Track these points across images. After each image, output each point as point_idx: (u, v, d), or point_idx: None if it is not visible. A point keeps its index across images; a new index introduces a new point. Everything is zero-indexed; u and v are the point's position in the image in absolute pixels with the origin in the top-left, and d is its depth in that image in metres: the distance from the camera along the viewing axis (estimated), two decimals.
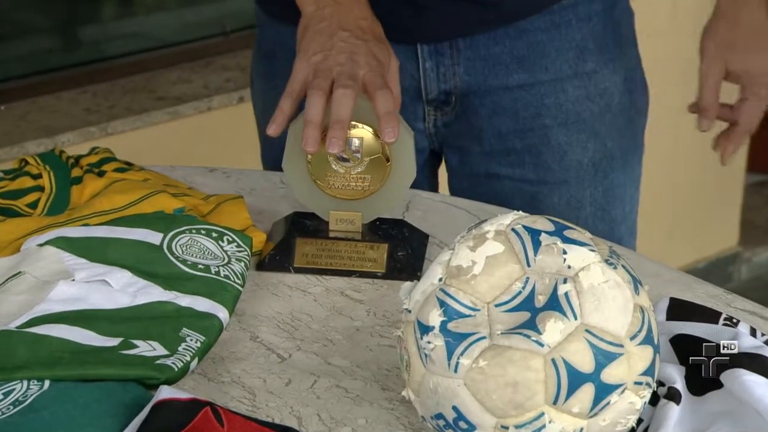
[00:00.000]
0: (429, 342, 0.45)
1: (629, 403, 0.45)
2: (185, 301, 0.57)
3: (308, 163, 0.64)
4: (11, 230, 0.64)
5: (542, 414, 0.44)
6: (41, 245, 0.61)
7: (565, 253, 0.46)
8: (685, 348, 0.51)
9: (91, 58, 1.36)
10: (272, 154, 0.82)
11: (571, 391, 0.44)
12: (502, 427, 0.44)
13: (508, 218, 0.48)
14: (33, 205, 0.67)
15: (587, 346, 0.44)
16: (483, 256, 0.46)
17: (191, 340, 0.55)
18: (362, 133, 0.63)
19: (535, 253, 0.46)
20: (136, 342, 0.54)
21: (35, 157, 0.70)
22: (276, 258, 0.64)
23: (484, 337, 0.45)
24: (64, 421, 0.49)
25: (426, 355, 0.46)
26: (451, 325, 0.45)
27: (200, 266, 0.60)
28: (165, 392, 0.49)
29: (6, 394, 0.50)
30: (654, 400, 0.49)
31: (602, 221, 0.78)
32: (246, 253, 0.62)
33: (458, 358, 0.44)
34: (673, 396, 0.48)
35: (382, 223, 0.65)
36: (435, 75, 0.74)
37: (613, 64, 0.76)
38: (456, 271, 0.46)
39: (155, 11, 1.46)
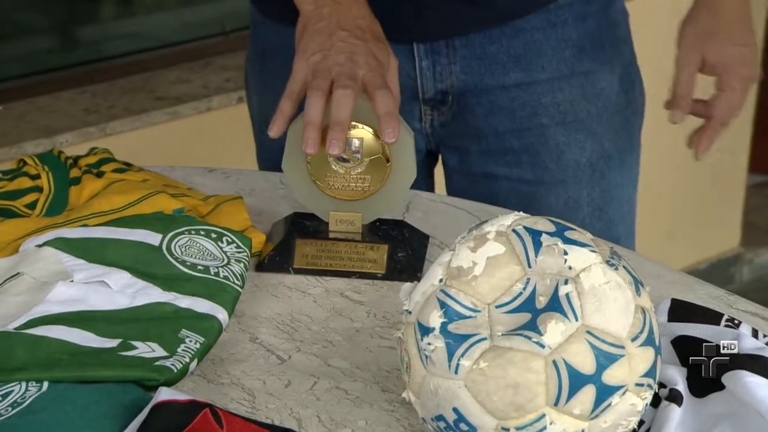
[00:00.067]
0: (429, 343, 0.45)
1: (630, 404, 0.45)
2: (184, 302, 0.57)
3: (308, 164, 0.64)
4: (9, 231, 0.63)
5: (543, 416, 0.44)
6: (40, 246, 0.60)
7: (566, 254, 0.45)
8: (686, 349, 0.51)
9: (90, 58, 1.35)
10: (267, 154, 0.82)
11: (572, 393, 0.44)
12: (503, 428, 0.44)
13: (509, 219, 0.48)
14: (31, 206, 0.67)
15: (588, 347, 0.44)
16: (484, 257, 0.46)
17: (190, 341, 0.54)
18: (362, 133, 0.63)
19: (536, 254, 0.46)
20: (135, 343, 0.54)
21: (34, 158, 0.70)
22: (275, 259, 0.64)
23: (484, 339, 0.44)
24: (62, 423, 0.48)
25: (426, 357, 0.45)
26: (451, 327, 0.45)
27: (199, 267, 0.60)
28: (164, 394, 0.48)
29: (4, 396, 0.50)
30: (655, 401, 0.48)
31: (600, 221, 0.78)
32: (245, 253, 0.62)
33: (459, 360, 0.44)
34: (675, 398, 0.48)
35: (382, 223, 0.65)
36: (431, 74, 0.74)
37: (609, 64, 0.76)
38: (456, 272, 0.46)
39: (154, 11, 1.46)
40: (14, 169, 0.70)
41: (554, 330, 0.44)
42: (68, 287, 0.57)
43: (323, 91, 0.60)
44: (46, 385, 0.51)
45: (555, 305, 0.44)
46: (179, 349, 0.54)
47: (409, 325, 0.47)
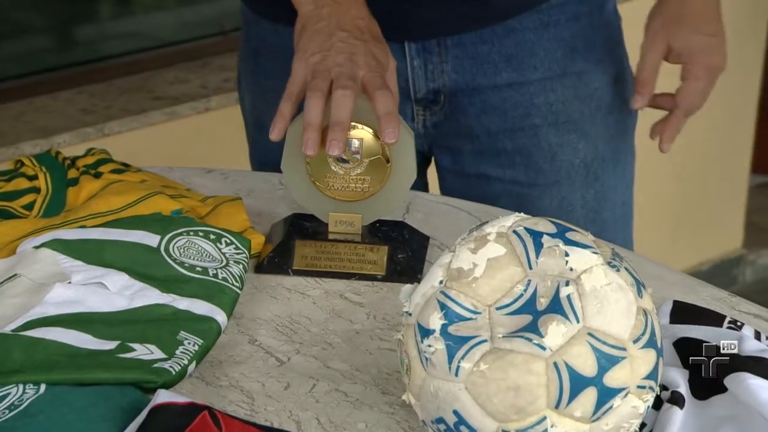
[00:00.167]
0: (429, 345, 0.45)
1: (632, 407, 0.45)
2: (183, 303, 0.57)
3: (307, 165, 0.63)
4: (7, 232, 0.63)
5: (544, 418, 0.44)
6: (37, 247, 0.60)
7: (567, 255, 0.45)
8: (688, 352, 0.50)
9: (87, 58, 1.35)
10: (261, 154, 0.82)
11: (573, 395, 0.43)
12: (504, 431, 0.44)
13: (510, 220, 0.47)
14: (29, 207, 0.66)
15: (590, 349, 0.44)
16: (484, 258, 0.46)
17: (189, 343, 0.54)
18: (362, 134, 0.62)
19: (537, 255, 0.45)
20: (133, 345, 0.54)
21: (31, 158, 0.70)
22: (275, 260, 0.63)
23: (485, 341, 0.44)
24: (60, 426, 0.48)
25: (426, 359, 0.45)
26: (451, 329, 0.45)
27: (198, 269, 0.59)
28: (162, 396, 0.48)
29: (1, 399, 0.50)
30: (657, 404, 0.48)
31: (594, 224, 0.78)
32: (244, 255, 0.62)
33: (459, 362, 0.44)
34: (677, 400, 0.48)
35: (382, 224, 0.65)
36: (423, 73, 0.74)
37: (602, 64, 0.76)
38: (457, 274, 0.46)
39: (152, 10, 1.46)
40: (11, 169, 0.70)
41: (555, 332, 0.44)
42: (66, 289, 0.57)
43: (323, 91, 0.60)
44: (43, 387, 0.51)
45: (556, 307, 0.44)
46: (178, 351, 0.54)
47: (409, 327, 0.47)
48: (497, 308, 0.45)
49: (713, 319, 0.53)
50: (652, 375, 0.45)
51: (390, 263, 0.62)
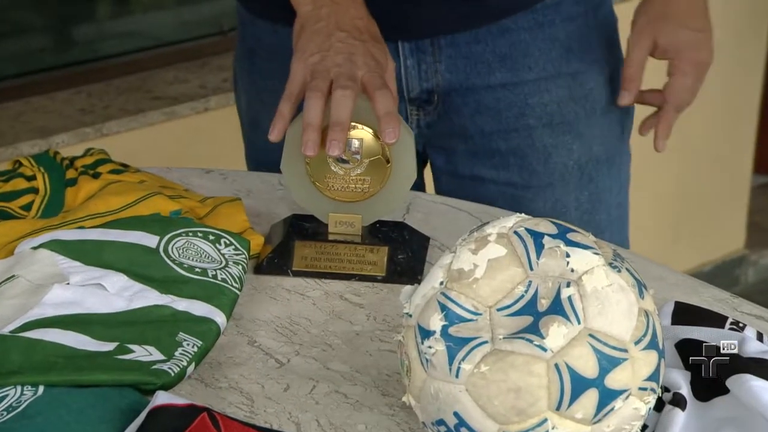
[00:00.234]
0: (430, 347, 0.45)
1: (634, 408, 0.45)
2: (182, 305, 0.57)
3: (307, 165, 0.63)
4: (5, 233, 0.63)
5: (545, 420, 0.44)
6: (35, 248, 0.60)
7: (568, 256, 0.45)
8: (690, 353, 0.50)
9: (85, 58, 1.35)
10: (257, 155, 0.82)
11: (574, 397, 0.43)
12: None
13: (511, 221, 0.47)
14: (27, 208, 0.66)
15: (591, 350, 0.43)
16: (485, 259, 0.46)
17: (188, 344, 0.54)
18: (362, 134, 0.62)
19: (538, 256, 0.45)
20: (131, 347, 0.54)
21: (29, 159, 0.69)
22: (274, 261, 0.63)
23: (485, 342, 0.44)
24: (58, 428, 0.48)
25: (427, 360, 0.45)
26: (452, 330, 0.45)
27: (197, 270, 0.59)
28: (161, 398, 0.48)
29: None
30: (659, 406, 0.48)
31: (588, 226, 0.77)
32: (244, 256, 0.62)
33: (460, 363, 0.44)
34: (679, 402, 0.48)
35: (382, 225, 0.65)
36: (416, 73, 0.74)
37: (597, 65, 0.76)
38: (457, 275, 0.46)
39: (151, 10, 1.45)
40: (9, 170, 0.69)
41: (556, 333, 0.43)
42: (64, 290, 0.57)
43: (322, 92, 0.60)
44: (41, 389, 0.50)
45: (557, 308, 0.44)
46: (177, 353, 0.53)
47: (410, 328, 0.47)
48: (498, 309, 0.45)
49: (715, 320, 0.53)
50: (654, 376, 0.45)
51: (390, 264, 0.62)
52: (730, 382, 0.48)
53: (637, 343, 0.44)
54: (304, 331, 0.58)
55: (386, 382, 0.53)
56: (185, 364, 0.53)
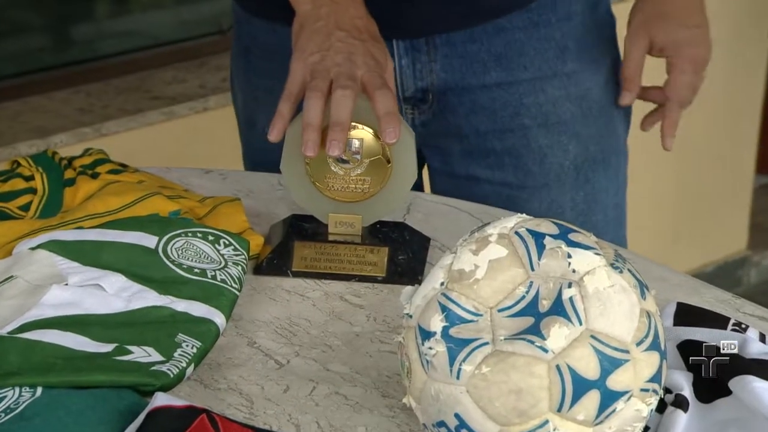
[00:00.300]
0: (430, 348, 0.45)
1: (635, 410, 0.44)
2: (181, 305, 0.57)
3: (307, 165, 0.63)
4: (3, 233, 0.63)
5: (546, 422, 0.43)
6: (33, 249, 0.60)
7: (569, 256, 0.45)
8: (692, 354, 0.50)
9: (84, 57, 1.34)
10: (253, 155, 0.82)
11: (576, 398, 0.43)
12: None
13: (512, 221, 0.47)
14: (25, 208, 0.66)
15: (592, 352, 0.43)
16: (486, 259, 0.45)
17: (187, 345, 0.54)
18: (362, 134, 0.62)
19: (539, 256, 0.45)
20: (130, 348, 0.53)
21: (27, 159, 0.69)
22: (274, 262, 0.63)
23: (486, 343, 0.44)
24: (56, 429, 0.48)
25: (427, 362, 0.45)
26: (453, 331, 0.44)
27: (196, 270, 0.59)
28: (160, 399, 0.48)
29: None
30: (661, 407, 0.48)
31: (583, 227, 0.76)
32: (243, 256, 0.61)
33: (460, 365, 0.44)
34: (681, 403, 0.48)
35: (382, 226, 0.65)
36: (411, 72, 0.74)
37: (594, 65, 0.76)
38: (458, 276, 0.46)
39: (150, 9, 1.45)
40: (8, 170, 0.69)
41: (558, 334, 0.43)
42: (62, 291, 0.56)
43: (322, 92, 0.60)
44: (39, 390, 0.50)
45: (558, 309, 0.44)
46: (176, 354, 0.53)
47: (410, 330, 0.47)
48: (499, 310, 0.44)
49: (717, 321, 0.53)
50: (656, 378, 0.45)
51: (390, 265, 0.62)
52: (733, 383, 0.48)
53: (638, 344, 0.44)
54: (303, 332, 0.57)
55: (386, 383, 0.53)
56: (184, 365, 0.53)
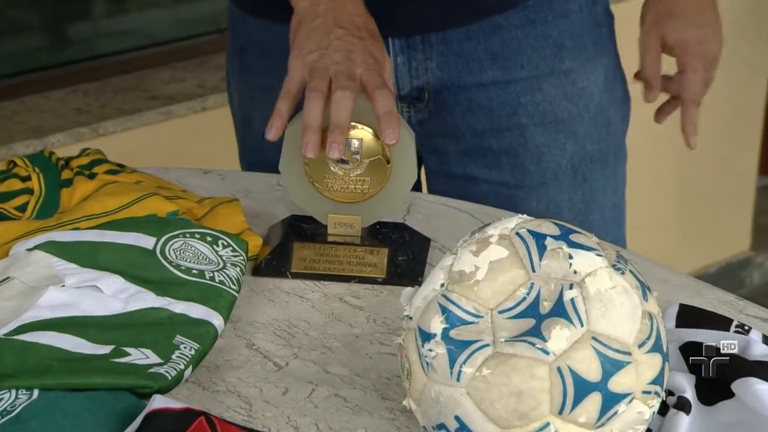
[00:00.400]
0: (430, 350, 0.45)
1: (637, 412, 0.44)
2: (179, 307, 0.56)
3: (306, 165, 0.63)
4: None
5: (547, 424, 0.43)
6: (30, 250, 0.59)
7: (571, 257, 0.45)
8: (693, 355, 0.50)
9: (81, 57, 1.34)
10: (248, 153, 0.81)
11: (577, 401, 0.43)
12: None
13: (513, 222, 0.47)
14: (21, 209, 0.66)
15: (594, 353, 0.43)
16: (486, 261, 0.45)
17: (185, 347, 0.54)
18: (362, 134, 0.61)
19: (540, 258, 0.45)
20: (128, 350, 0.53)
21: (24, 159, 0.69)
22: (272, 263, 0.63)
23: (487, 345, 0.44)
24: None
25: (427, 364, 0.45)
26: (453, 333, 0.44)
27: (194, 271, 0.59)
28: (158, 402, 0.48)
29: None
30: (663, 409, 0.48)
31: (581, 226, 0.76)
32: (241, 257, 0.61)
33: (461, 367, 0.44)
34: (683, 406, 0.47)
35: (382, 226, 0.64)
36: (407, 70, 0.73)
37: (591, 63, 0.75)
38: (458, 277, 0.45)
39: (148, 8, 1.45)
40: (4, 170, 0.69)
41: (559, 336, 0.43)
42: (59, 292, 0.56)
43: (322, 92, 0.59)
44: (36, 392, 0.50)
45: (560, 311, 0.43)
46: (174, 356, 0.53)
47: (410, 331, 0.46)
48: (500, 312, 0.44)
49: (720, 322, 0.53)
50: (658, 380, 0.45)
51: (390, 266, 0.62)
52: (736, 385, 0.47)
53: (640, 346, 0.44)
54: (302, 333, 0.57)
55: (386, 385, 0.52)
56: (182, 367, 0.52)
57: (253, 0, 0.76)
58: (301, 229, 0.64)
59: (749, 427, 0.47)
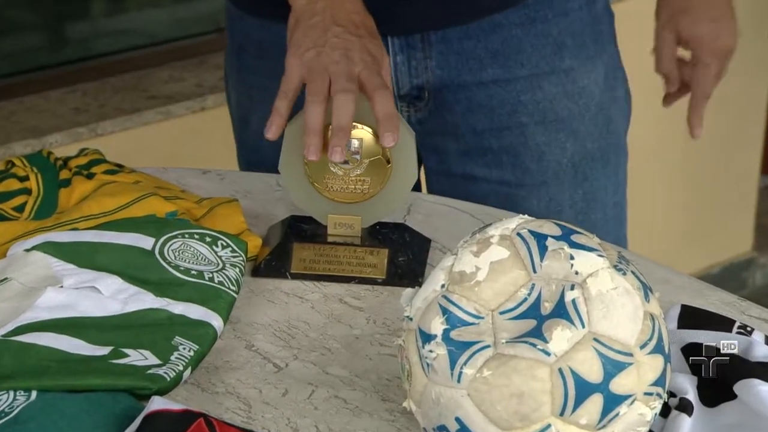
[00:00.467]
0: (431, 351, 0.44)
1: (639, 414, 0.44)
2: (178, 308, 0.56)
3: (305, 165, 0.62)
4: None
5: (549, 426, 0.43)
6: (28, 250, 0.59)
7: (572, 258, 0.45)
8: (693, 355, 0.49)
9: (79, 56, 1.34)
10: (246, 153, 0.81)
11: (578, 402, 0.43)
12: None
13: (514, 222, 0.47)
14: (19, 209, 0.65)
15: (595, 355, 0.43)
16: (487, 261, 0.45)
17: (184, 348, 0.53)
18: (362, 134, 0.61)
19: (542, 258, 0.45)
20: (126, 351, 0.53)
21: (22, 159, 0.69)
22: (272, 263, 0.62)
23: (488, 346, 0.44)
24: None
25: (428, 365, 0.44)
26: (454, 334, 0.44)
27: (193, 272, 0.58)
28: (157, 403, 0.47)
29: None
30: (665, 411, 0.48)
31: (582, 225, 0.76)
32: (241, 258, 0.61)
33: (461, 368, 0.43)
34: (685, 407, 0.47)
35: (382, 227, 0.64)
36: (407, 69, 0.73)
37: (591, 61, 0.75)
38: (459, 277, 0.45)
39: (146, 7, 1.44)
40: (2, 170, 0.68)
41: (560, 337, 0.43)
42: (57, 293, 0.56)
43: (323, 95, 0.59)
44: (34, 394, 0.50)
45: (561, 311, 0.43)
46: (172, 357, 0.53)
47: (410, 332, 0.46)
48: (500, 313, 0.44)
49: (722, 323, 0.53)
50: (660, 381, 0.45)
51: (390, 266, 0.61)
52: (738, 387, 0.47)
53: (642, 347, 0.44)
54: (302, 334, 0.57)
55: (386, 387, 0.52)
56: (181, 368, 0.52)
57: None
58: (301, 229, 0.64)
59: (751, 429, 0.46)
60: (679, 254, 1.67)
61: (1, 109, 1.24)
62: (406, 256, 0.62)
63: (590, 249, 0.45)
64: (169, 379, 0.51)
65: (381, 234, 0.64)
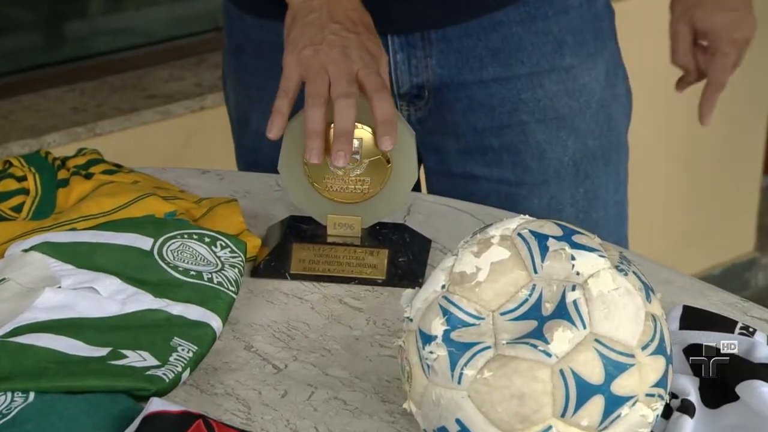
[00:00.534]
0: (431, 352, 0.44)
1: (641, 415, 0.44)
2: (177, 309, 0.56)
3: (305, 165, 0.62)
4: None
5: (550, 427, 0.43)
6: (26, 251, 0.59)
7: (573, 259, 0.44)
8: (693, 356, 0.49)
9: (78, 55, 1.33)
10: (245, 153, 0.81)
11: (579, 404, 0.43)
12: None
13: (514, 222, 0.46)
14: (17, 209, 0.65)
15: (597, 356, 0.43)
16: (488, 262, 0.45)
17: (183, 349, 0.53)
18: (362, 133, 0.61)
19: (543, 259, 0.44)
20: (125, 352, 0.53)
21: (20, 159, 0.68)
22: (271, 264, 0.62)
23: (488, 347, 0.43)
24: None
25: (428, 366, 0.44)
26: (454, 335, 0.44)
27: (192, 273, 0.58)
28: (155, 404, 0.47)
29: None
30: (667, 413, 0.47)
31: (584, 224, 0.76)
32: (240, 258, 0.61)
33: (462, 369, 0.43)
34: (687, 409, 0.47)
35: (382, 227, 0.64)
36: (407, 67, 0.73)
37: (592, 59, 0.75)
38: (459, 278, 0.45)
39: (145, 6, 1.44)
40: (0, 170, 0.68)
41: (561, 338, 0.43)
42: (56, 293, 0.56)
43: (324, 98, 0.59)
44: (32, 395, 0.49)
45: (562, 312, 0.43)
46: (171, 358, 0.53)
47: (411, 333, 0.46)
48: (501, 314, 0.44)
49: (724, 324, 0.53)
50: (662, 383, 0.44)
51: (390, 267, 0.61)
52: (740, 388, 0.47)
53: (644, 348, 0.44)
54: (302, 335, 0.57)
55: (386, 388, 0.52)
56: (180, 369, 0.52)
57: None
58: (301, 229, 0.64)
59: (753, 431, 0.46)
60: (680, 254, 1.67)
61: None
62: (406, 257, 0.62)
63: (591, 249, 0.45)
64: (167, 380, 0.51)
65: (381, 234, 0.63)
